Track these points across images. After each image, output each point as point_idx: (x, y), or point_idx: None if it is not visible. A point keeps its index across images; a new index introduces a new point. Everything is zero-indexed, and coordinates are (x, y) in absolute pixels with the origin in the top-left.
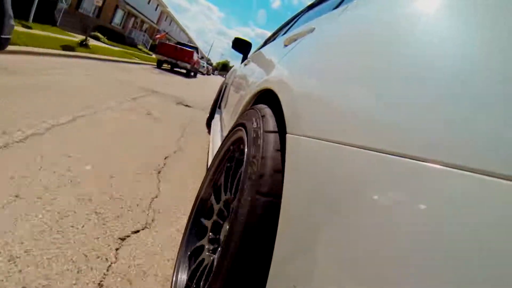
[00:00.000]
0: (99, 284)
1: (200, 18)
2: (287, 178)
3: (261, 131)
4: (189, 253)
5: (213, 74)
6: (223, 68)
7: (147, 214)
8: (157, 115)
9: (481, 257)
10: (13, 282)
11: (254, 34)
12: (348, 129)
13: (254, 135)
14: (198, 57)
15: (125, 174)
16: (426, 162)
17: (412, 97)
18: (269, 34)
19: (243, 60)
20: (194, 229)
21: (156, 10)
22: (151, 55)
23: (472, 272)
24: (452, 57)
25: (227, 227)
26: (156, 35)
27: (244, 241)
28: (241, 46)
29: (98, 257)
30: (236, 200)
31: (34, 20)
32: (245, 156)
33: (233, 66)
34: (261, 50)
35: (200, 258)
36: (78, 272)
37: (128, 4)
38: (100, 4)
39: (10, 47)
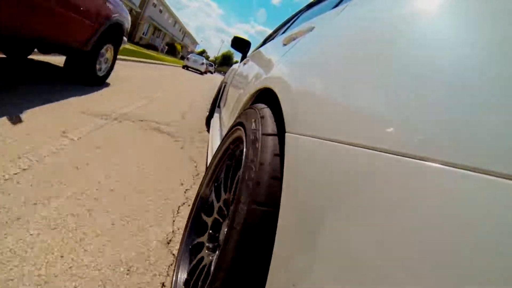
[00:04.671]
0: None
1: (199, 15)
2: (286, 177)
3: (260, 130)
4: (190, 247)
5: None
6: (224, 61)
7: None
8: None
9: (481, 257)
10: None
11: (254, 31)
12: (347, 128)
13: (253, 135)
14: (206, 63)
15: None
16: (426, 161)
17: (412, 96)
18: (269, 31)
19: (242, 59)
20: (193, 227)
21: (180, 31)
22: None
23: (471, 272)
24: (452, 56)
25: (227, 226)
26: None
27: (244, 239)
28: (240, 45)
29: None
30: (235, 199)
31: None
32: (243, 156)
33: (237, 61)
34: (260, 49)
35: (199, 257)
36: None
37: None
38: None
39: None
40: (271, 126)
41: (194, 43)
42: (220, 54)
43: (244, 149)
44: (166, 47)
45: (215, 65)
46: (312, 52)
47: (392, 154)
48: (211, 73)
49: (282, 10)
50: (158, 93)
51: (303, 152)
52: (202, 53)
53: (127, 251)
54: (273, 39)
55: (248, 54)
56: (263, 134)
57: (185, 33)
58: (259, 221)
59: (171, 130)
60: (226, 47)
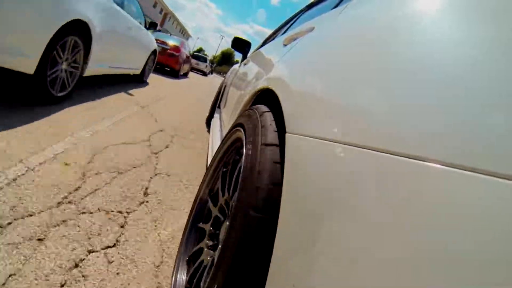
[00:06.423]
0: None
1: (198, 16)
2: (286, 177)
3: (259, 130)
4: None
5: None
6: (224, 60)
7: None
8: None
9: (481, 257)
10: None
11: (253, 31)
12: (347, 128)
13: (253, 136)
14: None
15: None
16: (425, 161)
17: (412, 96)
18: (268, 32)
19: (242, 60)
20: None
21: (157, 8)
22: None
23: (471, 272)
24: (452, 56)
25: (227, 224)
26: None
27: (244, 239)
28: (241, 45)
29: None
30: (235, 199)
31: None
32: (243, 156)
33: (238, 60)
34: (260, 49)
35: (199, 258)
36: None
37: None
38: None
39: None
40: (271, 128)
41: (185, 33)
42: (219, 52)
43: (244, 150)
44: None
45: (213, 64)
46: (312, 52)
47: (392, 154)
48: (204, 74)
49: (281, 11)
50: None
51: (303, 152)
52: (200, 51)
53: None
54: (273, 39)
55: (249, 54)
56: (262, 136)
57: (167, 14)
58: (257, 224)
59: None
60: (226, 45)
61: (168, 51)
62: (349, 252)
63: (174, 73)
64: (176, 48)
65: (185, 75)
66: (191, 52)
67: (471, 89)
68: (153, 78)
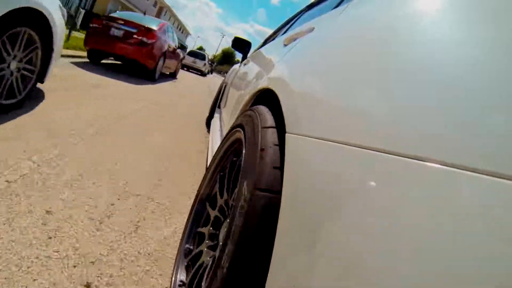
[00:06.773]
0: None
1: (198, 15)
2: (286, 177)
3: (259, 129)
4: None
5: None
6: (225, 59)
7: None
8: None
9: (481, 257)
10: None
11: (253, 30)
12: (347, 129)
13: (252, 136)
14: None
15: None
16: (426, 161)
17: (412, 97)
18: (268, 31)
19: (243, 59)
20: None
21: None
22: None
23: (471, 272)
24: (452, 56)
25: (227, 225)
26: None
27: (244, 241)
28: (241, 45)
29: None
30: (235, 200)
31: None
32: (243, 157)
33: (238, 60)
34: (260, 49)
35: (199, 257)
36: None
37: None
38: None
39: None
40: (270, 128)
41: (184, 31)
42: (220, 51)
43: (244, 150)
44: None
45: (213, 63)
46: (313, 52)
47: (392, 154)
48: (202, 74)
49: (281, 10)
50: None
51: (303, 152)
52: (200, 49)
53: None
54: (273, 39)
55: (249, 54)
56: (262, 132)
57: (163, 8)
58: (257, 223)
59: None
60: (227, 45)
61: (135, 36)
62: (349, 252)
63: (147, 74)
64: (149, 33)
65: (172, 75)
66: (190, 48)
67: (471, 90)
68: (92, 82)
